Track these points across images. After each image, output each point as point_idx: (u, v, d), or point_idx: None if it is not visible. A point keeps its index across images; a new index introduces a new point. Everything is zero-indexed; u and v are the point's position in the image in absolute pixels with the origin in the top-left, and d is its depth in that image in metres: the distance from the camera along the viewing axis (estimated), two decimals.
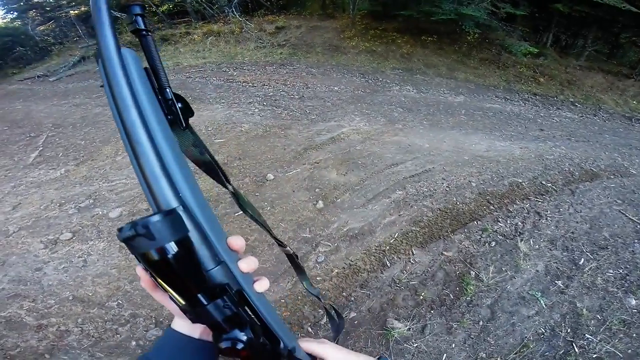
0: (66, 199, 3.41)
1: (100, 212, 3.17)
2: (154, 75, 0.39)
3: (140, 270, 0.39)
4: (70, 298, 2.35)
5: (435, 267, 2.49)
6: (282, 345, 0.46)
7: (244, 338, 0.38)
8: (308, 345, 0.52)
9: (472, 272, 2.45)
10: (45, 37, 15.21)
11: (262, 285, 0.43)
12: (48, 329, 2.16)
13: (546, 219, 3.00)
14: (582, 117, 6.46)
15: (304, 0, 11.78)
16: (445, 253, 2.61)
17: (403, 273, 2.44)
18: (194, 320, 0.37)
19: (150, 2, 12.15)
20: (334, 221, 2.93)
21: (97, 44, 0.34)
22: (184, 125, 0.41)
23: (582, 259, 2.62)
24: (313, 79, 7.07)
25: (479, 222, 2.91)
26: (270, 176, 3.55)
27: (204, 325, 0.40)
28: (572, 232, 2.88)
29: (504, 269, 2.49)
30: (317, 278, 2.42)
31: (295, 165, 3.78)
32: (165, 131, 0.36)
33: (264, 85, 6.73)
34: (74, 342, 2.08)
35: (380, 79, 7.21)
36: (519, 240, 2.74)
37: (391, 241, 2.71)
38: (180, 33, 11.01)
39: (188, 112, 0.42)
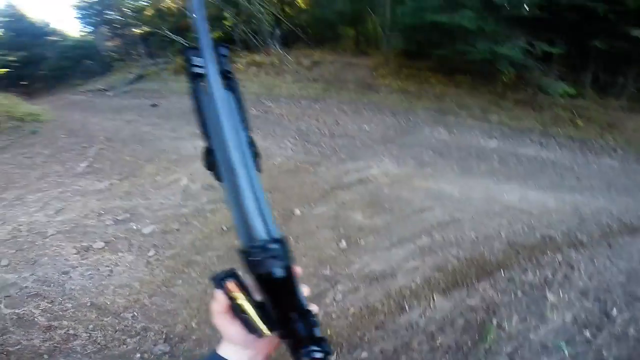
0: (105, 210, 3.65)
1: (135, 227, 3.35)
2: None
3: (218, 294, 0.43)
4: (88, 304, 2.45)
5: (455, 314, 2.39)
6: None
7: (321, 351, 0.43)
8: None
9: (494, 320, 2.34)
10: (111, 53, 16.50)
11: (314, 307, 0.48)
12: (57, 330, 2.24)
13: (579, 271, 2.83)
14: (623, 165, 6.07)
15: (338, 35, 12.09)
16: (467, 301, 2.52)
17: (421, 318, 2.37)
18: (284, 336, 0.43)
19: None
20: (356, 262, 2.92)
21: (205, 83, 0.40)
22: (259, 169, 0.46)
23: (615, 310, 2.43)
24: (344, 116, 7.23)
25: (506, 271, 2.80)
26: (297, 212, 3.61)
27: (254, 352, 0.46)
28: (607, 284, 2.70)
29: (528, 318, 2.36)
30: (333, 315, 2.40)
31: (322, 203, 3.84)
32: (254, 170, 0.42)
33: (298, 119, 6.97)
34: (78, 347, 2.14)
35: (412, 119, 7.25)
36: (547, 291, 2.60)
37: (412, 286, 2.65)
38: None
39: (258, 155, 0.47)
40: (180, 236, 3.22)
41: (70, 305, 2.45)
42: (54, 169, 4.97)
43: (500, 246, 3.14)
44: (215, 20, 13.68)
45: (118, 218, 3.51)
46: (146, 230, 3.30)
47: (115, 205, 3.78)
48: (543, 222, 3.58)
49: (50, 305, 2.44)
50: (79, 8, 17.39)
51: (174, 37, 12.70)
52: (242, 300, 0.41)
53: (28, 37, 17.20)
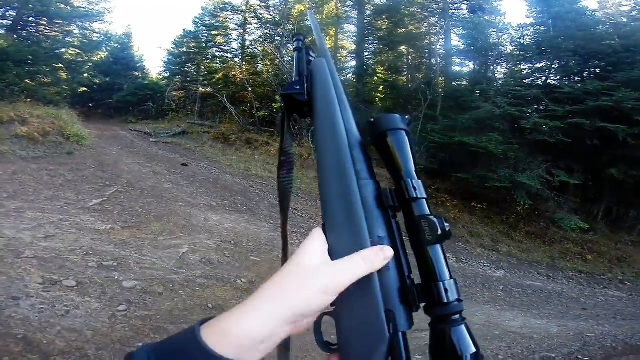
0: (95, 252, 3.52)
1: (117, 277, 3.18)
2: None
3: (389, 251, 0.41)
4: (19, 337, 2.15)
5: None
6: None
7: None
8: None
9: None
10: (172, 102, 16.89)
11: None
12: None
13: None
14: (631, 296, 6.06)
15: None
16: None
17: None
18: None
19: (253, 104, 13.86)
20: None
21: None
22: None
23: None
24: None
25: None
26: None
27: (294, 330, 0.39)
28: None
29: None
30: None
31: None
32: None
33: (311, 218, 6.93)
34: None
35: None
36: None
37: None
38: (262, 141, 12.13)
39: None
40: (161, 301, 3.02)
41: None
42: (66, 195, 4.98)
43: None
44: (265, 100, 14.68)
45: (103, 263, 3.37)
46: (127, 284, 3.13)
47: (107, 250, 3.64)
48: (544, 346, 3.56)
49: None
50: (170, 54, 18.74)
51: (228, 104, 13.32)
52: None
53: (121, 66, 18.49)
